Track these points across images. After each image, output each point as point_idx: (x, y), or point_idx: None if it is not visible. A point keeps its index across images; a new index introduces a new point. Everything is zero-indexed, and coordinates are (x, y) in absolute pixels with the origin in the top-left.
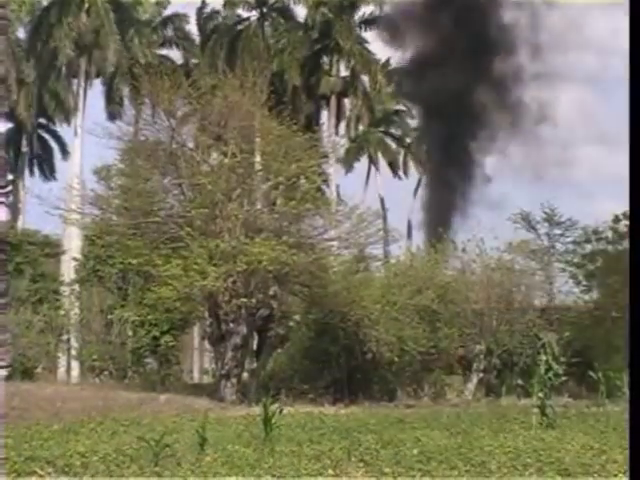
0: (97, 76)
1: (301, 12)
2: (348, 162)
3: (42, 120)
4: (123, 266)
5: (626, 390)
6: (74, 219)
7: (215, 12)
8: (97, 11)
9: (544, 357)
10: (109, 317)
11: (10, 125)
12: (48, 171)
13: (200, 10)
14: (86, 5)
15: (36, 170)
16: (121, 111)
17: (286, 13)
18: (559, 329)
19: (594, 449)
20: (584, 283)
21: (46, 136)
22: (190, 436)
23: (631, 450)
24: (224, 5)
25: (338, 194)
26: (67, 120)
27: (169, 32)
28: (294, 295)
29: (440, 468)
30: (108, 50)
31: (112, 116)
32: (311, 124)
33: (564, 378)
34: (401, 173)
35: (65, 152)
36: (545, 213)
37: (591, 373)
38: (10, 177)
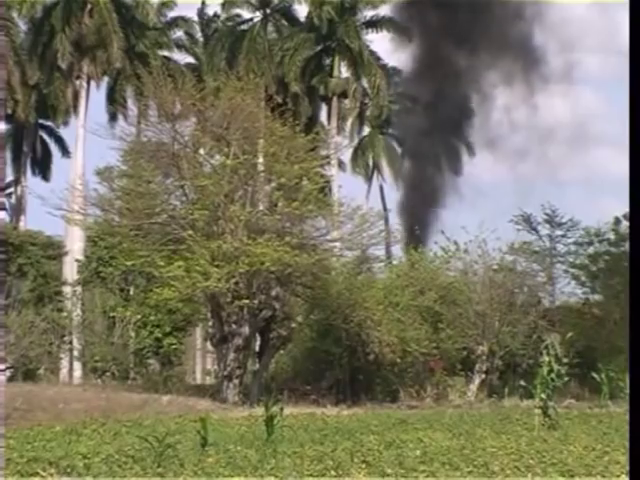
0: (101, 77)
1: (303, 12)
2: (356, 170)
3: (44, 121)
4: (125, 267)
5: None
6: (77, 220)
7: (216, 16)
8: (100, 12)
9: (547, 358)
10: (111, 318)
11: (12, 126)
12: (50, 172)
13: (202, 11)
14: (89, 6)
15: (38, 171)
16: (124, 112)
17: (289, 14)
18: (562, 330)
19: (596, 450)
20: (587, 284)
21: (48, 137)
22: (193, 437)
23: (631, 451)
24: (222, 5)
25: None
26: (69, 121)
27: (173, 34)
28: (296, 296)
29: (443, 469)
30: (111, 51)
31: (114, 117)
32: (313, 125)
33: (567, 379)
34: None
35: (67, 153)
36: (546, 214)
37: (594, 374)
38: (12, 178)
